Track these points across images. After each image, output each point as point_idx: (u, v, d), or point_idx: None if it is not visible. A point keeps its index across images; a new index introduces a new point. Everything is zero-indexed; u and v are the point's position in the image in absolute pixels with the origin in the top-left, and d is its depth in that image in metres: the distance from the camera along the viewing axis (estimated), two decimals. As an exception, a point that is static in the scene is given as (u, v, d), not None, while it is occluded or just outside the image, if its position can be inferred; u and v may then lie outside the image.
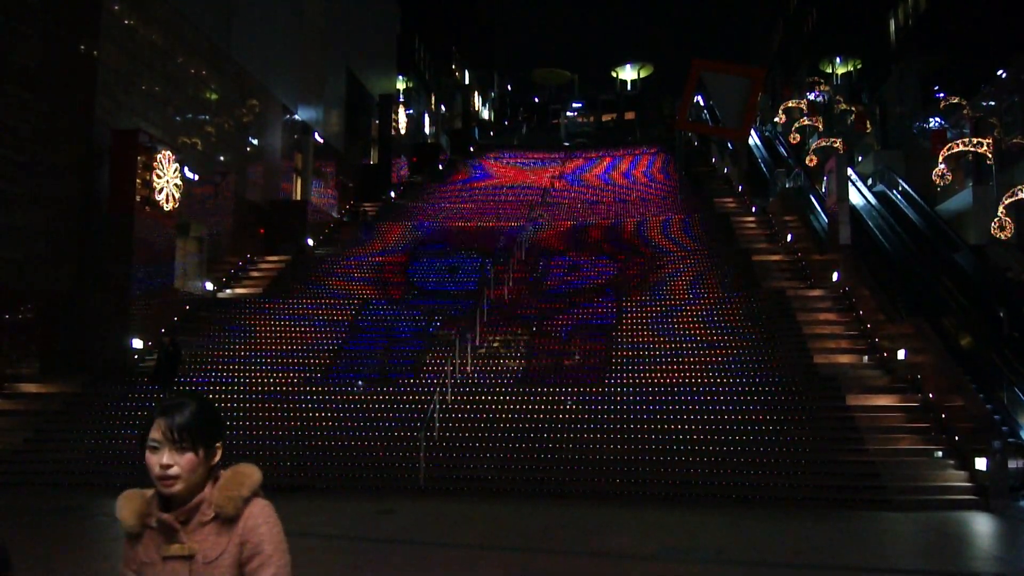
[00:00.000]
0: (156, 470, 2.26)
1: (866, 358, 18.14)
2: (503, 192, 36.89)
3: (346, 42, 36.16)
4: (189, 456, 2.26)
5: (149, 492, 2.36)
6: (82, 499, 13.45)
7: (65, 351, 18.59)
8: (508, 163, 43.77)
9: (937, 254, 22.05)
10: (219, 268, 24.51)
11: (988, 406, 14.73)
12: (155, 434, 2.27)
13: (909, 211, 25.51)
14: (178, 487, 2.26)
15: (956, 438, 14.40)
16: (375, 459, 15.34)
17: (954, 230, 23.28)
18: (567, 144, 51.62)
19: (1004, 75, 25.89)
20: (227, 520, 2.28)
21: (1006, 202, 20.46)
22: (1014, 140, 24.00)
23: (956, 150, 24.18)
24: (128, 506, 2.34)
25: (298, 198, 30.60)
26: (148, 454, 2.28)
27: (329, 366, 19.24)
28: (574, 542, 10.85)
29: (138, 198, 19.35)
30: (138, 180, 19.35)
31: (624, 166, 41.32)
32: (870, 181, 29.47)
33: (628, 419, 16.10)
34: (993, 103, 26.64)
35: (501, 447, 15.52)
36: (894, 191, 27.34)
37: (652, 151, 43.75)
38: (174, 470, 2.25)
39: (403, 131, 43.05)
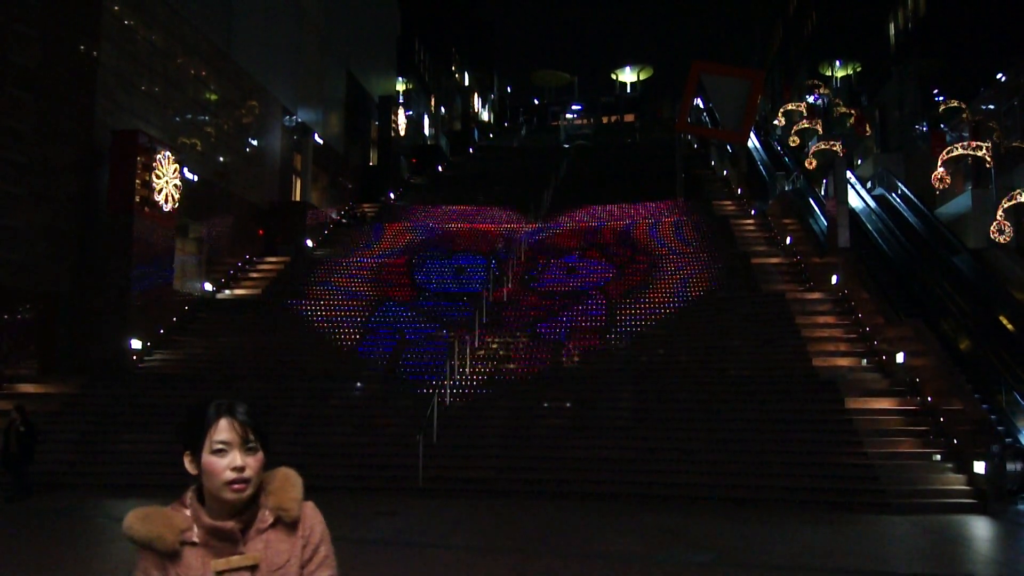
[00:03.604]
0: (227, 474, 2.11)
1: (865, 361, 18.15)
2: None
3: (346, 43, 36.17)
4: (259, 456, 2.16)
5: (176, 507, 2.20)
6: (80, 500, 13.44)
7: (64, 351, 18.59)
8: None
9: (936, 257, 22.07)
10: (218, 269, 24.51)
11: (987, 409, 14.75)
12: (223, 435, 2.14)
13: (908, 214, 25.53)
14: (250, 491, 2.14)
15: (955, 441, 14.40)
16: (374, 460, 15.35)
17: (953, 233, 23.29)
18: (566, 146, 51.62)
19: (1003, 79, 25.92)
20: (289, 524, 2.18)
21: (1005, 206, 20.45)
22: (1013, 144, 24.00)
23: (955, 153, 24.17)
24: (162, 522, 2.13)
25: (297, 199, 30.60)
26: (214, 458, 2.13)
27: (328, 365, 19.24)
28: (573, 544, 10.85)
29: (137, 199, 19.35)
30: (137, 181, 19.36)
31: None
32: (869, 184, 29.48)
33: (627, 421, 16.12)
34: (992, 106, 26.66)
35: (500, 448, 15.53)
36: (893, 194, 27.35)
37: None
38: (248, 472, 2.12)
39: (403, 133, 43.06)
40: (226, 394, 16.20)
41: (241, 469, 2.12)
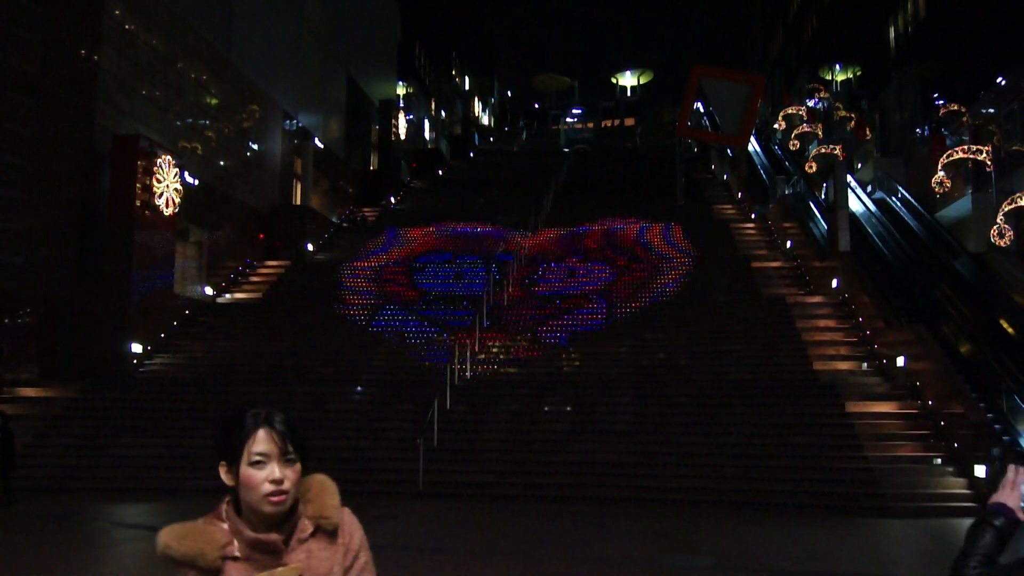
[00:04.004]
0: (266, 487, 2.07)
1: (865, 365, 18.16)
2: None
3: (346, 48, 36.22)
4: (297, 467, 2.12)
5: (211, 521, 2.15)
6: (81, 504, 13.44)
7: (65, 356, 18.60)
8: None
9: (936, 261, 22.07)
10: (219, 273, 24.52)
11: (987, 413, 14.73)
12: (260, 447, 2.09)
13: (908, 218, 25.52)
14: (288, 502, 2.10)
15: (955, 445, 14.40)
16: (374, 463, 15.36)
17: (953, 237, 23.30)
18: (566, 150, 51.62)
19: (1003, 82, 25.91)
20: (329, 532, 2.17)
21: (1005, 209, 20.45)
22: (1013, 147, 24.00)
23: (955, 157, 24.17)
24: (202, 539, 2.08)
25: (298, 203, 30.62)
26: (252, 471, 2.08)
27: (329, 369, 19.23)
28: (574, 548, 10.85)
29: (138, 203, 19.38)
30: (138, 185, 19.39)
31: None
32: (869, 188, 29.49)
33: (628, 425, 16.12)
34: (992, 110, 26.66)
35: (500, 452, 15.54)
36: (893, 198, 27.36)
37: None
38: (287, 484, 2.09)
39: (403, 137, 43.08)
40: (227, 398, 16.16)
41: (280, 481, 2.08)
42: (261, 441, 2.09)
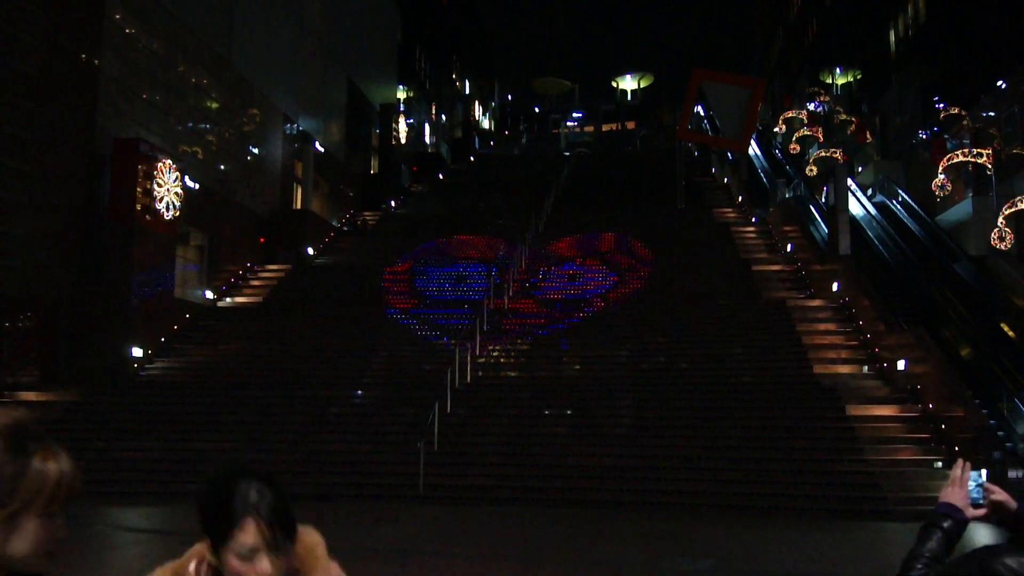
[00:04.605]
0: None
1: (866, 368, 18.14)
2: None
3: (347, 51, 36.25)
4: (287, 555, 1.94)
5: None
6: (81, 508, 13.41)
7: (65, 359, 18.60)
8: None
9: (937, 264, 22.09)
10: (219, 276, 24.52)
11: (988, 416, 14.72)
12: (249, 540, 1.88)
13: (909, 221, 25.55)
14: None
15: (956, 448, 14.38)
16: (375, 467, 15.34)
17: (954, 240, 23.31)
18: (567, 154, 51.63)
19: (1004, 86, 25.92)
20: None
21: (1006, 213, 20.47)
22: (1014, 151, 24.02)
23: (956, 160, 24.21)
24: None
25: (298, 207, 30.64)
26: (239, 563, 1.89)
27: (329, 372, 19.23)
28: (574, 551, 10.84)
29: (138, 207, 19.39)
30: (139, 189, 19.40)
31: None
32: (870, 191, 29.51)
33: (628, 428, 16.11)
34: (993, 114, 26.67)
35: (501, 456, 15.53)
36: (894, 201, 27.39)
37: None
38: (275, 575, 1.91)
39: (403, 140, 43.10)
40: (227, 402, 15.98)
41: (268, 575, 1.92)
42: (250, 533, 1.90)
